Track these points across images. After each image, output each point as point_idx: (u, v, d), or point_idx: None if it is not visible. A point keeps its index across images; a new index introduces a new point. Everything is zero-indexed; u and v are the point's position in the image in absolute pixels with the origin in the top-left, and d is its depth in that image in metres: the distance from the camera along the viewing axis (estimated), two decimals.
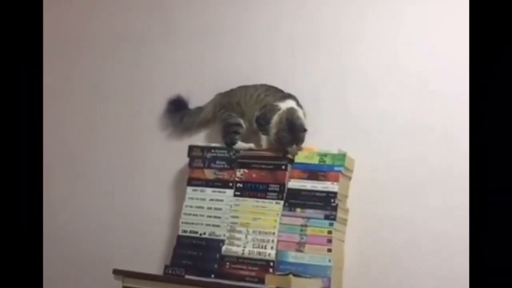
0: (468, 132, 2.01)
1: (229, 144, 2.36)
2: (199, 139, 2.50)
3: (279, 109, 2.26)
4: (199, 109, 2.49)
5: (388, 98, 2.31)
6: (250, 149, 2.34)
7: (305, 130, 2.24)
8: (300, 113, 2.26)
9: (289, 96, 2.31)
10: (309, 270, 2.12)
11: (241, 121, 2.38)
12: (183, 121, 2.50)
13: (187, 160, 2.40)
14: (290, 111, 2.25)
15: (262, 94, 2.34)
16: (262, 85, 2.37)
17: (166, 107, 2.53)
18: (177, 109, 2.52)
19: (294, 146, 2.25)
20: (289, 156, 2.27)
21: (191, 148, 2.40)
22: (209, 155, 2.36)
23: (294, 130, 2.22)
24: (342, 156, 2.23)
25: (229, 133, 2.37)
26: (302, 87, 2.36)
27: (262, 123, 2.29)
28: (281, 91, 2.34)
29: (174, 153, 2.51)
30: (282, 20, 2.51)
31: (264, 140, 2.35)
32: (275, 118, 2.25)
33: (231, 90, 2.43)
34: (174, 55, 2.66)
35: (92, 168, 2.71)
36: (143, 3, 2.76)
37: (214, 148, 2.37)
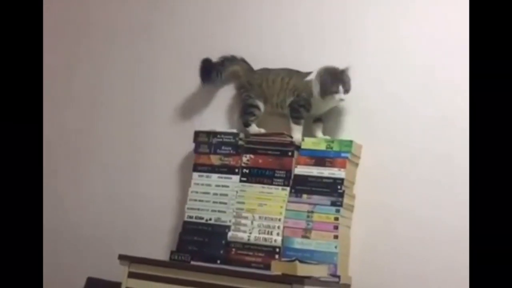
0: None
1: (245, 124, 2.35)
2: (207, 124, 2.47)
3: (311, 80, 2.25)
4: (229, 61, 2.44)
5: (396, 87, 2.29)
6: (260, 134, 2.32)
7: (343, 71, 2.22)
8: None
9: (311, 73, 2.30)
10: (316, 257, 2.12)
11: (260, 104, 2.36)
12: (219, 79, 2.45)
13: (192, 145, 2.39)
14: (326, 67, 2.24)
15: (286, 78, 2.32)
16: (283, 69, 2.35)
17: (201, 78, 2.46)
18: (209, 74, 2.44)
19: (341, 89, 2.20)
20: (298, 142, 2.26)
21: (197, 134, 2.39)
22: (215, 140, 2.35)
23: (336, 74, 2.21)
24: (349, 143, 2.22)
25: (246, 114, 2.36)
26: None
27: (297, 107, 2.27)
28: (301, 72, 2.33)
29: (180, 139, 2.51)
30: (287, 8, 2.49)
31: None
32: (314, 81, 2.24)
33: (253, 71, 2.41)
34: (179, 41, 2.64)
35: (98, 155, 2.70)
36: None
37: (220, 133, 2.36)
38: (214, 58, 2.47)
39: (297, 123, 2.28)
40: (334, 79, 2.22)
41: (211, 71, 2.44)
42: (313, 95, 2.26)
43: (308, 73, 2.30)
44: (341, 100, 2.23)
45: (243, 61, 2.44)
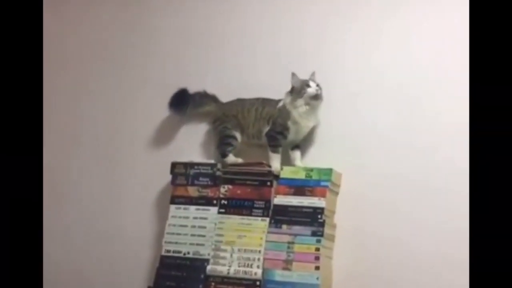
0: (454, 147, 2.08)
1: (222, 155, 2.32)
2: (184, 155, 2.43)
3: (283, 103, 2.25)
4: (202, 98, 2.42)
5: (374, 113, 2.27)
6: (237, 164, 2.28)
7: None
8: None
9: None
10: None
11: (237, 134, 2.33)
12: (186, 112, 2.44)
13: (169, 177, 2.34)
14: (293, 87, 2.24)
15: (259, 108, 2.30)
16: (257, 99, 2.34)
17: (170, 103, 2.43)
18: (180, 103, 2.43)
19: (313, 83, 2.23)
20: (274, 172, 2.22)
21: (173, 165, 2.35)
22: (192, 171, 2.31)
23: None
24: (328, 171, 2.18)
25: (223, 144, 2.33)
26: None
27: (275, 135, 2.24)
28: (273, 100, 2.31)
29: (156, 171, 2.46)
30: (265, 34, 2.47)
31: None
32: (286, 99, 2.24)
33: (227, 103, 2.39)
34: (156, 70, 2.61)
35: (72, 188, 2.64)
36: (124, 18, 2.71)
37: (198, 164, 2.32)
38: (190, 89, 2.44)
39: (275, 151, 2.25)
40: (304, 80, 2.23)
41: (183, 103, 2.42)
42: (289, 116, 2.23)
43: (280, 100, 2.28)
44: (315, 94, 2.21)
45: (214, 99, 2.42)
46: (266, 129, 2.28)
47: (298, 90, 2.22)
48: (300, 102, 2.22)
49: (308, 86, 2.22)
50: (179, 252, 2.24)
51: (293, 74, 2.24)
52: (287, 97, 2.25)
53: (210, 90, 2.45)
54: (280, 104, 2.27)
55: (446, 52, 2.19)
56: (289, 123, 2.24)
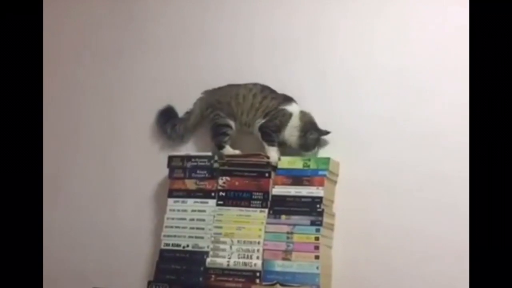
0: (451, 133, 2.09)
1: (218, 146, 2.30)
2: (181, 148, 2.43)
3: (290, 114, 2.23)
4: (188, 114, 2.42)
5: (372, 100, 2.26)
6: (235, 155, 2.26)
7: (327, 132, 2.22)
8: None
9: (290, 99, 2.27)
10: (297, 279, 2.07)
11: (230, 122, 2.31)
12: (175, 130, 2.42)
13: (167, 171, 2.34)
14: (306, 114, 2.24)
15: (258, 96, 2.28)
16: (254, 85, 2.31)
17: (156, 119, 2.46)
18: (166, 119, 2.43)
19: (316, 149, 2.23)
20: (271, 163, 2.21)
21: (170, 159, 2.33)
22: (189, 164, 2.30)
23: (319, 132, 2.22)
24: (326, 160, 2.17)
25: (218, 135, 2.31)
26: (282, 91, 2.31)
27: (270, 132, 2.24)
28: (274, 91, 2.29)
29: (153, 165, 2.45)
30: (260, 23, 2.46)
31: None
32: (292, 123, 2.22)
33: (219, 88, 2.36)
34: (152, 64, 2.60)
35: (70, 184, 2.62)
36: (116, 16, 2.70)
37: (195, 157, 2.31)
38: (187, 81, 2.45)
39: (272, 145, 2.24)
40: (316, 143, 2.22)
41: (168, 124, 2.42)
42: (287, 126, 2.24)
43: (288, 99, 2.26)
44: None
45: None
46: (260, 121, 2.26)
47: (306, 146, 2.22)
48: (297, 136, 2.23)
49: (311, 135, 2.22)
50: (178, 245, 2.23)
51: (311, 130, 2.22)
52: (297, 118, 2.24)
53: (206, 79, 2.43)
54: (287, 108, 2.25)
55: (445, 37, 2.18)
56: (283, 130, 2.24)
